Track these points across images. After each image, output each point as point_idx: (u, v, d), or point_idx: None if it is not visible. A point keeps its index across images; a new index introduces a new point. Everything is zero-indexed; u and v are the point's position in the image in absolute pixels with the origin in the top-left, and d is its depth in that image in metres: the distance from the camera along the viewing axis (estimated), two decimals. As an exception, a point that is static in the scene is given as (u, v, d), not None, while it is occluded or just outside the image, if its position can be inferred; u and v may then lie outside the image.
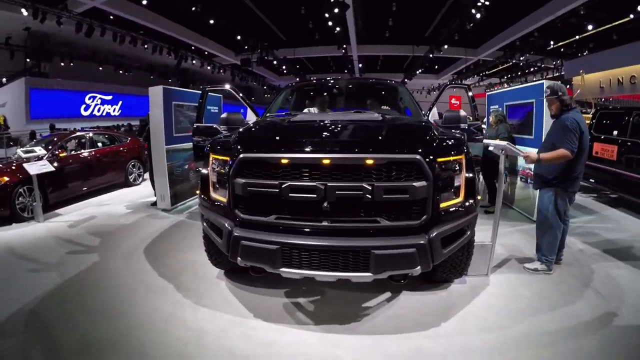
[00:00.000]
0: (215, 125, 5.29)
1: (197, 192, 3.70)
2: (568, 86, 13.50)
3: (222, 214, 3.24)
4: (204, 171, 3.60)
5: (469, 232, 3.34)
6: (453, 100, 25.95)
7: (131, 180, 9.89)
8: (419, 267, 2.90)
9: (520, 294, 3.90)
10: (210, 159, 3.42)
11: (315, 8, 16.29)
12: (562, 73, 20.91)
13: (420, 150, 2.94)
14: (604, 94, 13.53)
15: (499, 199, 4.34)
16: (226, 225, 3.11)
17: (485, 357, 2.92)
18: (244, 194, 3.00)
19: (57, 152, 7.75)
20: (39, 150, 7.23)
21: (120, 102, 25.03)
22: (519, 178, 6.92)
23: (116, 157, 9.54)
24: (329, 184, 2.81)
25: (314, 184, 2.83)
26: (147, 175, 9.20)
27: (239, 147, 3.13)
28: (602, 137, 7.46)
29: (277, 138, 3.35)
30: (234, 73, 27.81)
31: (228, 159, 3.16)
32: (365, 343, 3.06)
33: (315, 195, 2.82)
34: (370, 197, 2.81)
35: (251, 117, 5.55)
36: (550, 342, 3.12)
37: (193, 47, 22.63)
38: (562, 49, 20.65)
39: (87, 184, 8.41)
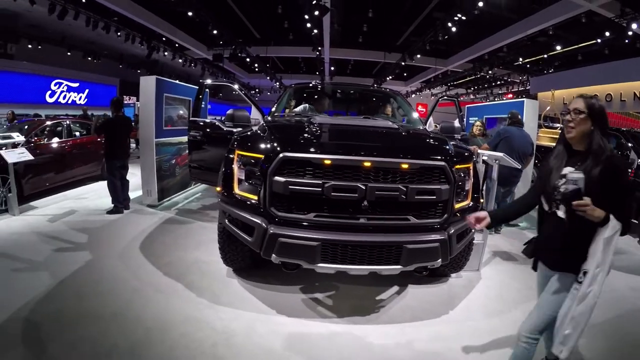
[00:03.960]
0: (215, 121, 5.30)
1: (218, 189, 3.67)
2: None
3: (252, 211, 3.25)
4: (227, 168, 3.60)
5: (472, 231, 3.70)
6: (420, 108, 26.70)
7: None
8: (440, 259, 3.21)
9: (510, 285, 4.40)
10: (235, 155, 3.45)
11: (293, 8, 16.26)
12: (528, 88, 21.83)
13: (444, 157, 3.29)
14: None
15: (490, 203, 4.78)
16: (260, 222, 3.13)
17: (492, 337, 3.32)
18: (284, 192, 3.06)
19: (34, 140, 7.35)
20: (17, 137, 6.74)
21: (87, 91, 24.12)
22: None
23: (94, 148, 8.96)
24: (369, 185, 3.03)
25: (356, 184, 3.02)
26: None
27: (276, 145, 3.19)
28: None
29: (317, 139, 3.44)
30: (205, 68, 27.18)
31: (261, 156, 3.20)
32: (390, 331, 3.33)
33: (356, 195, 3.02)
34: (404, 197, 3.08)
35: (257, 116, 5.58)
36: None
37: (164, 39, 22.00)
38: (528, 65, 21.57)
39: (63, 175, 7.92)
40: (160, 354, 2.86)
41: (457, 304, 3.89)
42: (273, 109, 5.19)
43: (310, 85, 6.15)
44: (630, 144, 6.67)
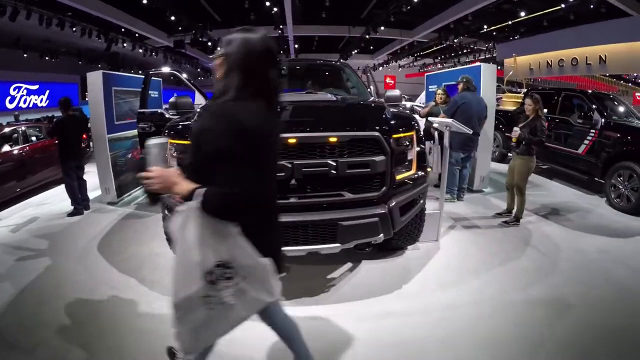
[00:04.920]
0: (160, 111, 5.13)
1: None
2: (500, 67, 14.33)
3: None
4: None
5: (421, 201, 3.66)
6: (388, 80, 26.58)
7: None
8: (381, 234, 3.17)
9: (471, 254, 4.34)
10: (169, 144, 3.36)
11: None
12: (494, 55, 21.88)
13: (378, 127, 3.17)
14: (533, 75, 14.62)
15: (444, 171, 4.73)
16: (166, 212, 3.15)
17: (445, 311, 3.25)
18: None
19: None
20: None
21: (47, 92, 23.07)
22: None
23: (52, 151, 8.18)
24: (295, 162, 2.93)
25: (282, 162, 2.91)
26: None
27: None
28: None
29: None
30: (167, 55, 26.50)
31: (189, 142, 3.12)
32: (337, 311, 3.24)
33: (283, 174, 2.92)
34: (335, 172, 2.98)
35: (199, 101, 5.43)
36: (502, 292, 3.54)
37: (123, 29, 21.26)
38: (494, 33, 21.42)
39: (25, 182, 7.46)
40: (111, 349, 2.87)
41: (411, 277, 3.80)
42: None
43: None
44: (594, 106, 6.78)
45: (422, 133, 3.83)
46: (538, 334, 2.92)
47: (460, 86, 6.15)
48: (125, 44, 21.83)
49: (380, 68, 31.96)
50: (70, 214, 6.22)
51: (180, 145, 3.29)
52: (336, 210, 3.10)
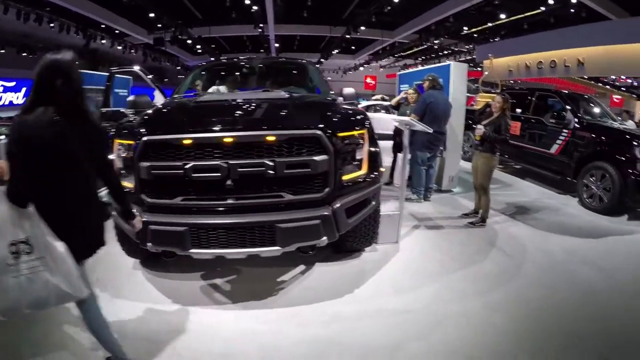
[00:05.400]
0: (122, 109, 4.97)
1: None
2: (479, 68, 14.30)
3: (130, 200, 3.06)
4: (109, 157, 3.34)
5: (373, 202, 3.44)
6: (368, 80, 26.52)
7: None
8: (325, 237, 2.99)
9: (431, 257, 4.10)
10: (115, 144, 3.26)
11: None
12: (474, 57, 21.96)
13: (320, 126, 3.00)
14: (512, 76, 14.60)
15: (404, 171, 4.53)
16: (134, 211, 2.94)
17: (398, 316, 3.02)
18: (149, 178, 2.92)
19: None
20: None
21: (24, 89, 22.15)
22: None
23: None
24: (231, 162, 2.82)
25: (217, 162, 2.82)
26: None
27: (142, 130, 3.04)
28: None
29: (180, 119, 3.31)
30: (147, 53, 26.10)
31: (132, 142, 3.04)
32: (282, 315, 3.04)
33: (219, 174, 2.82)
34: (272, 172, 2.84)
35: (160, 100, 5.32)
36: (460, 297, 3.31)
37: (103, 26, 20.90)
38: (475, 35, 21.54)
39: None
40: (56, 351, 2.69)
41: (365, 280, 3.57)
42: (174, 93, 4.89)
43: (217, 63, 5.88)
44: (568, 107, 6.66)
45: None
46: (495, 343, 2.71)
47: (426, 84, 5.99)
48: (104, 41, 21.46)
49: (362, 68, 31.97)
50: None
51: (121, 145, 3.21)
52: (275, 212, 2.95)
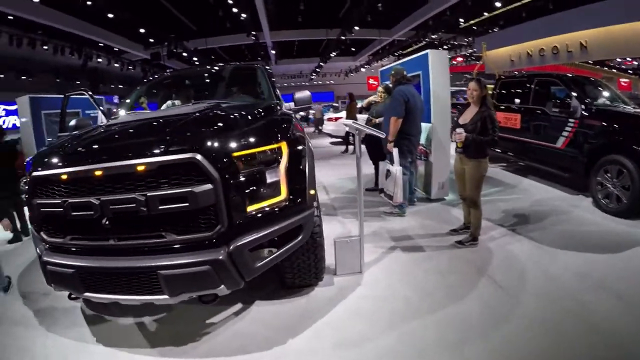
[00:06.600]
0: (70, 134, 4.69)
1: None
2: (481, 62, 13.53)
3: (37, 238, 2.92)
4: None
5: (301, 235, 2.82)
6: (371, 81, 25.86)
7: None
8: (222, 286, 2.50)
9: (397, 294, 3.27)
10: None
11: (222, -5, 15.38)
12: (474, 50, 21.32)
13: (200, 147, 2.46)
14: (514, 66, 13.84)
15: (359, 184, 3.68)
16: (37, 250, 2.87)
17: None
18: (40, 215, 2.74)
19: None
20: None
21: None
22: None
23: None
24: (102, 198, 2.44)
25: (87, 199, 2.47)
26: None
27: (33, 164, 2.85)
28: (503, 106, 7.33)
29: (66, 151, 2.91)
30: (145, 68, 26.21)
31: (28, 177, 2.88)
32: None
33: (92, 212, 2.45)
34: (145, 209, 2.39)
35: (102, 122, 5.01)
36: (421, 354, 2.48)
37: (102, 44, 20.90)
38: (474, 27, 20.87)
39: None
40: None
41: (305, 327, 2.89)
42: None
43: (161, 77, 5.47)
44: (573, 93, 5.72)
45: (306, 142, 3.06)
46: None
47: (391, 81, 5.29)
48: (100, 59, 21.47)
49: (363, 69, 31.51)
50: (10, 241, 5.89)
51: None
52: (157, 255, 2.48)
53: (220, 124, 2.86)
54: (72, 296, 3.07)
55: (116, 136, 3.02)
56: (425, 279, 3.45)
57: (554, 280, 3.30)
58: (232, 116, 3.09)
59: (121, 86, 27.59)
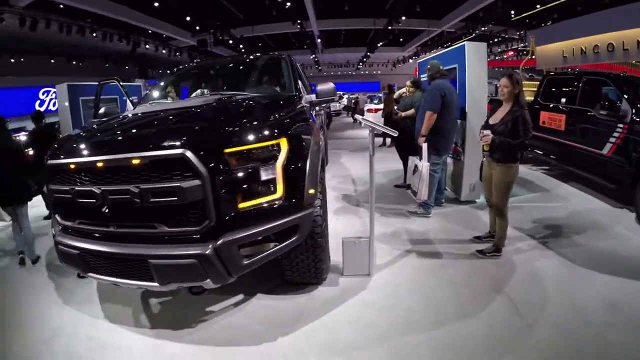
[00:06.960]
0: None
1: None
2: (528, 56, 12.86)
3: (53, 219, 3.21)
4: None
5: (297, 235, 2.78)
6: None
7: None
8: (208, 280, 2.59)
9: (401, 303, 3.09)
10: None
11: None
12: (527, 44, 20.37)
13: (190, 144, 2.51)
14: (567, 63, 13.12)
15: (371, 184, 3.54)
16: (52, 230, 3.14)
17: None
18: (54, 200, 3.00)
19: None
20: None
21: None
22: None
23: None
24: (103, 188, 2.61)
25: (91, 188, 2.64)
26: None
27: (50, 151, 3.03)
28: (550, 105, 6.78)
29: (79, 141, 3.06)
30: (192, 55, 26.83)
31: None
32: (185, 353, 2.74)
33: (94, 200, 2.63)
34: (139, 201, 2.52)
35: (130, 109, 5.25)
36: None
37: (150, 31, 21.66)
38: (527, 20, 20.04)
39: None
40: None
41: (298, 327, 2.84)
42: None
43: (187, 68, 5.59)
44: (624, 94, 5.20)
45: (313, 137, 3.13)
46: None
47: (428, 75, 5.12)
48: (148, 46, 22.10)
49: (410, 60, 31.08)
50: (47, 217, 6.34)
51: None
52: (150, 244, 2.63)
53: (218, 119, 2.98)
54: (80, 275, 3.57)
55: (121, 129, 3.16)
56: (435, 290, 3.24)
57: (580, 309, 2.92)
58: (234, 111, 3.20)
59: (169, 72, 28.39)
